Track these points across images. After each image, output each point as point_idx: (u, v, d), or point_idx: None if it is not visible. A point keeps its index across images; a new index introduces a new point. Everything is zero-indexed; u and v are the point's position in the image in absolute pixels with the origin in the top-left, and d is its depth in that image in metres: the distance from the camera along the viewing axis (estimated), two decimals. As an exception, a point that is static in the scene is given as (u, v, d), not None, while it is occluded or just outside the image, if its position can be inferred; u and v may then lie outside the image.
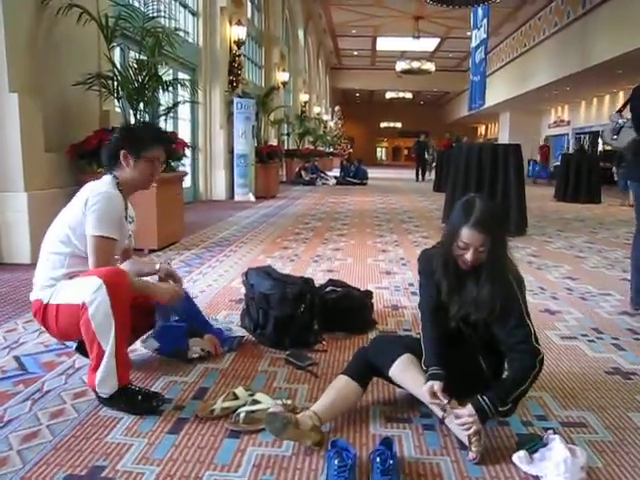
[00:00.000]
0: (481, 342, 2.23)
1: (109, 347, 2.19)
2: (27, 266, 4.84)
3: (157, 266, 2.84)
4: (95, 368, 2.23)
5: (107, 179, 2.52)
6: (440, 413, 2.07)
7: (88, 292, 2.18)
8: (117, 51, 6.66)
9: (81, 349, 2.67)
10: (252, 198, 11.71)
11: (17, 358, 2.82)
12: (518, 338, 2.07)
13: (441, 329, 2.23)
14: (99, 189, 2.42)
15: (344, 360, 2.84)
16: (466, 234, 2.06)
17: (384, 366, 2.20)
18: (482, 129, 42.67)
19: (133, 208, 2.78)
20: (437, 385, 2.04)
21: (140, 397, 2.29)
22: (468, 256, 2.08)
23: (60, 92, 5.53)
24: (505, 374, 2.20)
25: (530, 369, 2.03)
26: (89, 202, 2.35)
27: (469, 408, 1.96)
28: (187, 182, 10.00)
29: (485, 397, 1.98)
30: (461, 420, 1.96)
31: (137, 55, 6.08)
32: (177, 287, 2.75)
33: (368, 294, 3.51)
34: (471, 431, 1.93)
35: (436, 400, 2.03)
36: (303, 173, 18.21)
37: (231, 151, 11.95)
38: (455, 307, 2.19)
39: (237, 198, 11.68)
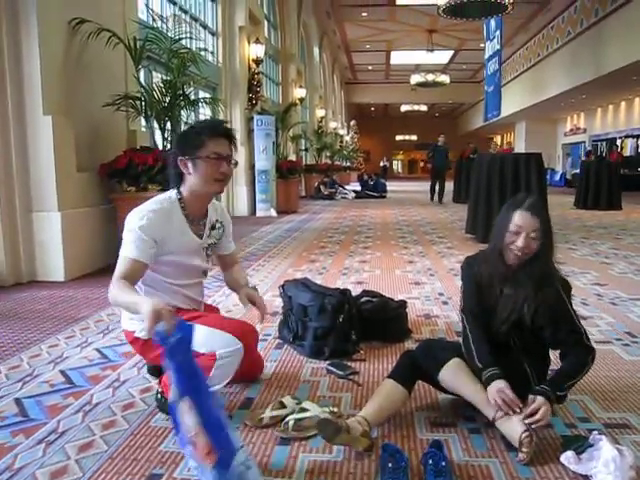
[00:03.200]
0: (526, 348, 2.25)
1: None
2: (62, 283, 4.96)
3: (242, 282, 2.62)
4: None
5: (163, 195, 2.39)
6: (491, 414, 2.08)
7: (224, 348, 2.20)
8: (141, 72, 6.78)
9: (153, 371, 2.70)
10: (274, 213, 11.80)
11: (63, 372, 2.89)
12: (572, 340, 2.14)
13: (487, 333, 2.25)
14: (137, 208, 2.31)
15: (384, 368, 2.89)
16: (518, 217, 2.11)
17: (434, 369, 2.22)
18: (498, 139, 42.61)
19: (222, 213, 2.66)
20: (504, 383, 2.05)
21: None
22: (519, 242, 2.11)
23: (89, 113, 5.66)
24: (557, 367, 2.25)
25: (584, 364, 2.12)
26: None
27: (539, 402, 2.00)
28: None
29: (542, 386, 2.06)
30: (537, 416, 1.98)
31: (161, 76, 6.20)
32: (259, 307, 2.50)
33: (402, 304, 3.55)
34: (542, 423, 1.99)
35: (508, 398, 2.03)
36: (322, 188, 18.31)
37: (252, 167, 12.06)
38: (504, 311, 2.21)
39: (259, 214, 11.76)
